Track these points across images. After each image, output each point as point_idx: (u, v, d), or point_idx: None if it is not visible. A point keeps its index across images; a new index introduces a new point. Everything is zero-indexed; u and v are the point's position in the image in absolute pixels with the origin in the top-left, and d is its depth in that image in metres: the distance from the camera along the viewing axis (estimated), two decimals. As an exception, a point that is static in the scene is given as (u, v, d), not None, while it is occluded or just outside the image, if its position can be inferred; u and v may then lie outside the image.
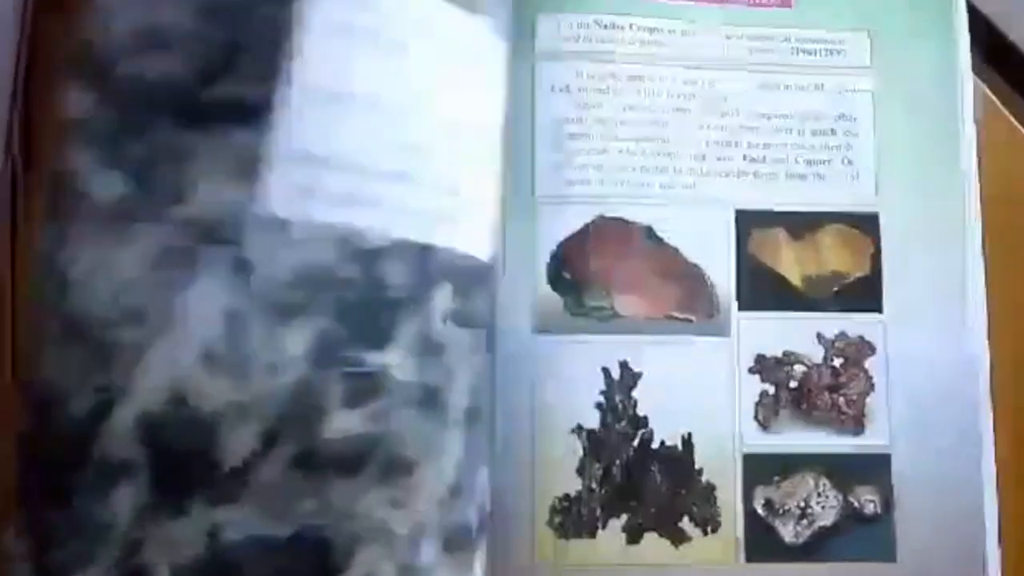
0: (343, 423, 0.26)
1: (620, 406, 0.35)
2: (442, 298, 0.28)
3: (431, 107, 0.28)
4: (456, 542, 0.29)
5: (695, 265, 0.36)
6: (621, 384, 0.35)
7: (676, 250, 0.36)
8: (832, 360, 0.36)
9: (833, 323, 0.36)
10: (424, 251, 0.27)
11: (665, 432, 0.35)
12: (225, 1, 0.25)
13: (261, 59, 0.25)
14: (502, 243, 0.32)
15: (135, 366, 0.25)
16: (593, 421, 0.35)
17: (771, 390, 0.36)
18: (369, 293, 0.26)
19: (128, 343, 0.25)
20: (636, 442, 0.35)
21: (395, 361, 0.27)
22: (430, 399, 0.28)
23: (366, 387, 0.26)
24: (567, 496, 0.34)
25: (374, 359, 0.27)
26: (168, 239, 0.25)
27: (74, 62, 0.24)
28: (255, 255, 0.25)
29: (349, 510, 0.26)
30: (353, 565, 0.26)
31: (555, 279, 0.35)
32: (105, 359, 0.25)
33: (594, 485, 0.34)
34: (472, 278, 0.29)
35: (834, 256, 0.37)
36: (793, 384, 0.36)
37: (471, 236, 0.29)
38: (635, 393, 0.35)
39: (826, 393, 0.36)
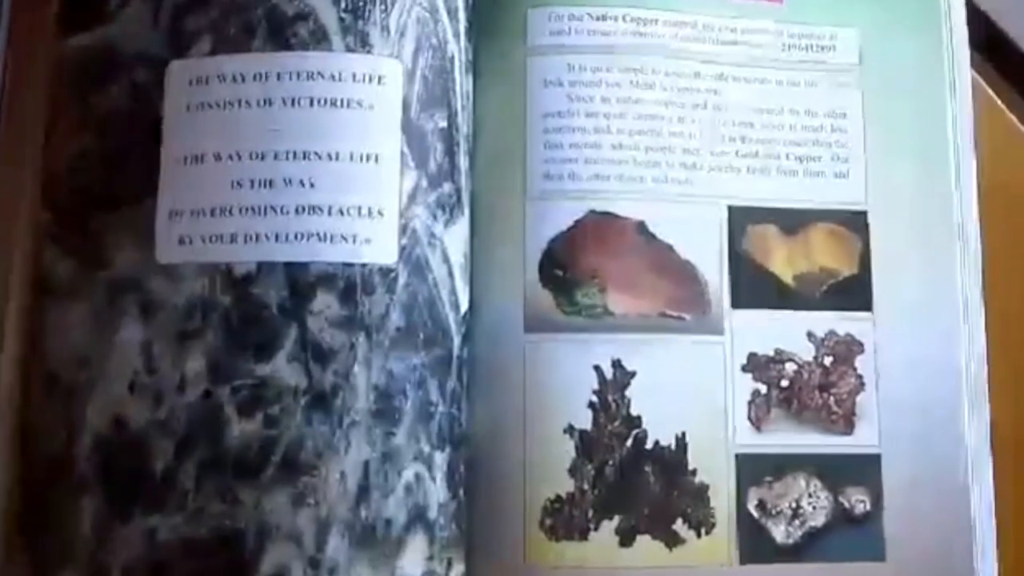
0: (241, 429, 0.28)
1: (613, 405, 0.32)
2: (322, 307, 0.29)
3: (292, 148, 0.30)
4: (370, 538, 0.28)
5: (688, 262, 0.34)
6: (614, 383, 0.32)
7: (669, 246, 0.34)
8: (823, 359, 0.34)
9: (823, 322, 0.34)
10: (292, 269, 0.29)
11: (659, 432, 0.33)
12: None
13: (141, 149, 0.30)
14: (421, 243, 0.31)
15: (88, 402, 0.29)
16: (585, 421, 0.32)
17: (763, 389, 0.34)
18: (247, 313, 0.29)
19: (82, 385, 0.29)
20: (629, 442, 0.32)
21: (281, 370, 0.28)
22: (322, 402, 0.28)
23: (257, 395, 0.28)
24: (559, 497, 0.32)
25: (261, 370, 0.28)
26: (99, 300, 0.29)
27: (43, 191, 0.31)
28: (156, 297, 0.29)
29: (255, 509, 0.28)
30: (264, 560, 0.28)
31: (546, 276, 0.33)
32: (68, 400, 0.29)
33: (586, 486, 0.32)
34: (362, 285, 0.29)
35: (824, 254, 0.35)
36: (784, 383, 0.34)
37: (357, 246, 0.29)
38: (628, 392, 0.32)
39: (817, 392, 0.34)
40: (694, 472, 0.33)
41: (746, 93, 0.35)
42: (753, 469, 0.33)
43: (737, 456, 0.33)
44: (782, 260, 0.35)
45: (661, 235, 0.34)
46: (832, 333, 0.34)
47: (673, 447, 0.33)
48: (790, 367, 0.34)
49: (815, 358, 0.34)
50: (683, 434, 0.33)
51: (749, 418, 0.33)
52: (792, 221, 0.35)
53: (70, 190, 0.31)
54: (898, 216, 0.35)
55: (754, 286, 0.34)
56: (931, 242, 0.35)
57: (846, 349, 0.34)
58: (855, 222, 0.35)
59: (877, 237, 0.35)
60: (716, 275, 0.34)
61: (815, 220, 0.35)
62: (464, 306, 0.32)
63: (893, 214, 0.35)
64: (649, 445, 0.33)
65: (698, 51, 0.35)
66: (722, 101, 0.35)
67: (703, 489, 0.33)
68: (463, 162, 0.33)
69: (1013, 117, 0.38)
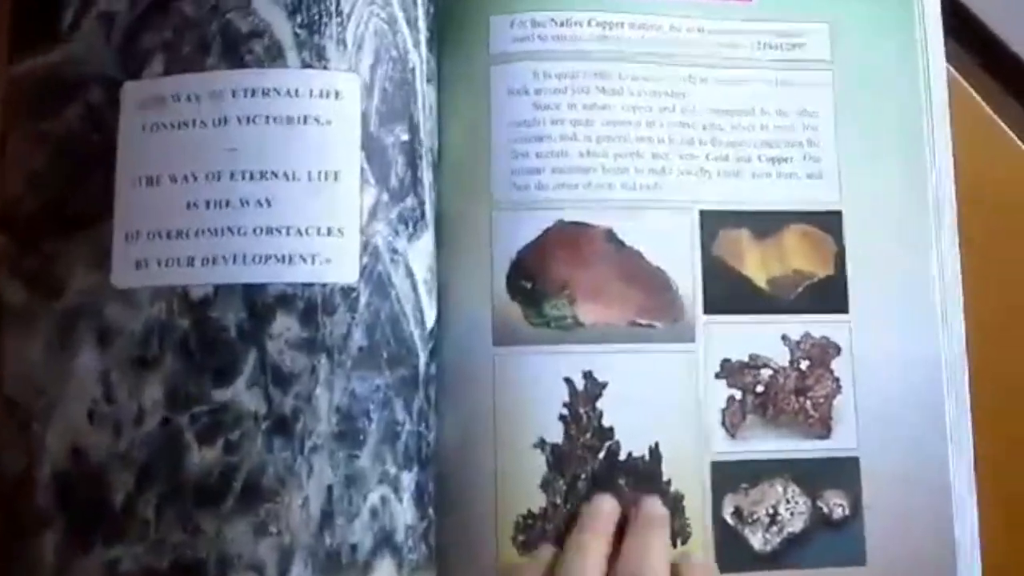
0: (202, 458, 0.27)
1: (584, 417, 0.31)
2: (281, 330, 0.28)
3: (248, 168, 0.29)
4: (335, 564, 0.27)
5: (659, 269, 0.33)
6: (585, 395, 0.31)
7: (639, 254, 0.33)
8: (798, 363, 0.33)
9: (798, 325, 0.33)
10: (250, 291, 0.28)
11: (632, 443, 0.31)
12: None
13: (96, 172, 0.29)
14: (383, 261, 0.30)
15: (47, 430, 0.28)
16: (557, 434, 0.31)
17: (738, 395, 0.32)
18: (205, 338, 0.28)
19: (40, 412, 0.28)
20: (602, 454, 0.31)
21: (240, 395, 0.27)
22: (283, 427, 0.27)
23: (216, 422, 0.27)
24: (531, 513, 0.31)
25: (220, 395, 0.27)
26: (55, 327, 0.28)
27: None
28: (113, 323, 0.28)
29: (216, 539, 0.27)
30: None
31: (514, 288, 0.32)
32: (27, 426, 0.28)
33: (559, 500, 0.31)
34: (323, 305, 0.28)
35: (798, 256, 0.34)
36: (760, 388, 0.33)
37: (317, 266, 0.28)
38: (600, 404, 0.31)
39: (793, 397, 0.33)
40: (668, 482, 0.32)
41: (716, 95, 0.34)
42: (729, 476, 0.32)
43: (712, 464, 0.32)
44: (755, 264, 0.33)
45: (631, 242, 0.33)
46: (807, 336, 0.33)
47: (647, 458, 0.32)
48: (765, 372, 0.33)
49: (791, 362, 0.33)
50: (656, 444, 0.32)
51: (724, 425, 0.32)
52: (765, 224, 0.34)
53: (25, 213, 0.30)
54: (874, 215, 0.34)
55: (727, 291, 0.33)
56: (908, 241, 0.34)
57: (822, 352, 0.33)
58: (829, 223, 0.34)
59: (852, 237, 0.34)
60: (688, 281, 0.33)
61: (788, 222, 0.34)
62: (430, 321, 0.31)
63: (868, 213, 0.34)
64: (622, 456, 0.31)
65: (666, 54, 0.34)
66: (691, 104, 0.34)
67: (678, 499, 0.32)
68: (427, 175, 0.31)
69: (998, 119, 0.37)
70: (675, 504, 0.32)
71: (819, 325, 0.33)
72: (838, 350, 0.33)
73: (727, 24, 0.35)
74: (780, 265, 0.33)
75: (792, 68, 0.35)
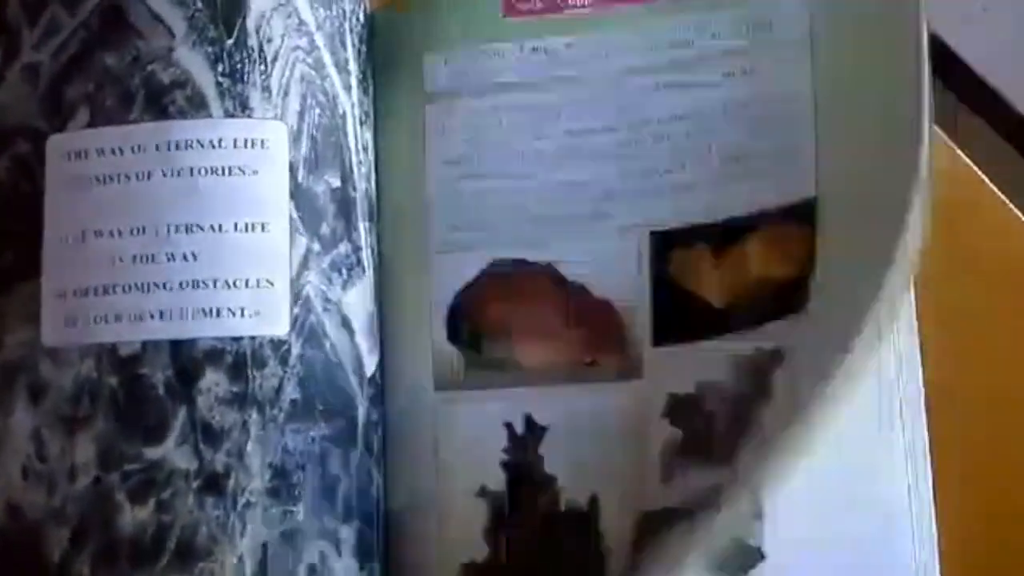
0: (134, 516, 0.27)
1: (526, 464, 0.32)
2: (210, 385, 0.28)
3: (173, 222, 0.29)
4: None
5: (605, 302, 0.32)
6: (526, 440, 0.32)
7: (583, 288, 0.32)
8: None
9: (751, 344, 0.31)
10: (178, 347, 0.28)
11: (574, 489, 0.31)
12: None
13: (27, 225, 0.30)
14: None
15: None
16: (499, 482, 0.31)
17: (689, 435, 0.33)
18: (134, 395, 0.28)
19: None
20: (544, 500, 0.32)
21: (170, 453, 0.28)
22: (214, 484, 0.28)
23: (148, 480, 0.28)
24: (474, 563, 0.31)
25: (151, 454, 0.28)
26: None
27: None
28: (44, 380, 0.29)
29: None
30: None
31: (453, 331, 0.32)
32: None
33: (502, 549, 0.31)
34: (252, 359, 0.28)
35: (764, 263, 0.31)
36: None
37: (245, 319, 0.29)
38: (541, 449, 0.32)
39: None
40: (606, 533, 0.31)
41: (668, 101, 0.32)
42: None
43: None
44: (714, 283, 0.31)
45: (573, 276, 0.32)
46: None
47: (587, 505, 0.31)
48: (717, 406, 0.33)
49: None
50: (598, 490, 0.31)
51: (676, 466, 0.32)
52: (726, 235, 0.31)
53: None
54: (852, 203, 0.30)
55: (681, 318, 0.31)
56: (879, 231, 0.28)
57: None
58: (801, 214, 0.30)
59: (829, 226, 0.30)
60: (636, 312, 0.31)
61: (754, 226, 0.31)
62: (370, 369, 0.31)
63: (847, 201, 0.30)
64: (563, 504, 0.31)
65: (609, 68, 0.33)
66: (639, 118, 0.32)
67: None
68: (362, 220, 0.32)
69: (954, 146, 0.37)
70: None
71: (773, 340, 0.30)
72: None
73: (677, 18, 0.32)
74: (744, 279, 0.31)
75: (761, 53, 0.31)
